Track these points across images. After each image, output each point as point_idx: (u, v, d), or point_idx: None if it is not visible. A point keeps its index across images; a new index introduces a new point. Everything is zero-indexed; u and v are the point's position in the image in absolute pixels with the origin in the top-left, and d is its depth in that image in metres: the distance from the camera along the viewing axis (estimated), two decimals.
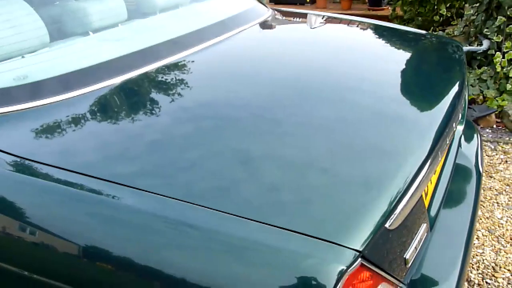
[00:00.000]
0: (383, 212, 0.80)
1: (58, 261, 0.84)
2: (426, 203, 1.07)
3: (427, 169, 0.95)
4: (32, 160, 0.91)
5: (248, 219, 0.78)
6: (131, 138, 0.97)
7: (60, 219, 0.84)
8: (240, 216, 0.78)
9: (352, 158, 0.91)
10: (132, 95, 1.16)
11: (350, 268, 0.72)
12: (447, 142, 1.11)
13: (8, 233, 0.87)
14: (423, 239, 0.95)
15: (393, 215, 0.82)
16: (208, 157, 0.91)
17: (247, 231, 0.76)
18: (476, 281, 1.86)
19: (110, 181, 0.85)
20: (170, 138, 0.98)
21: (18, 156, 0.92)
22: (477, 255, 1.99)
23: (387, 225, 0.81)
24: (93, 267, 0.81)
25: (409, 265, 0.90)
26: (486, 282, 1.85)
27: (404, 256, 0.88)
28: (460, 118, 1.33)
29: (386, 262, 0.81)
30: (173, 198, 0.82)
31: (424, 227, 0.96)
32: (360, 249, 0.74)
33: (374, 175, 0.87)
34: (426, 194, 1.07)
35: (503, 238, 2.07)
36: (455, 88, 1.29)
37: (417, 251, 0.92)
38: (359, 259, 0.74)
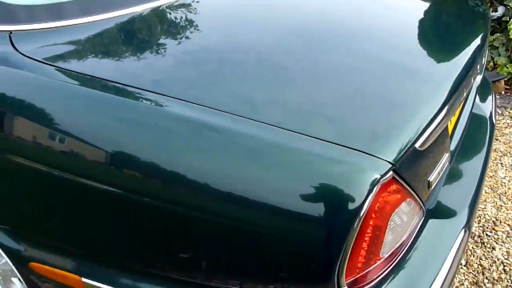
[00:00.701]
0: (415, 132, 0.84)
1: (86, 165, 0.85)
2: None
3: (454, 99, 0.98)
4: (64, 69, 0.92)
5: (278, 127, 0.78)
6: (153, 53, 0.99)
7: (86, 125, 0.85)
8: (268, 124, 0.78)
9: (389, 82, 0.94)
10: (152, 23, 1.17)
11: (383, 178, 0.75)
12: (472, 82, 1.14)
13: (42, 137, 0.88)
14: (445, 167, 1.00)
15: (423, 136, 0.86)
16: (228, 66, 0.91)
17: (273, 135, 0.77)
18: (477, 233, 1.94)
19: (133, 86, 0.86)
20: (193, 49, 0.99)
21: (53, 65, 0.93)
22: (479, 210, 2.06)
23: (417, 145, 0.84)
24: (117, 171, 0.82)
25: (432, 188, 0.94)
26: (487, 235, 1.93)
27: (429, 179, 0.93)
28: (483, 63, 1.35)
29: (413, 180, 0.85)
30: (193, 103, 0.82)
31: (446, 156, 1.00)
32: (393, 162, 0.78)
33: (407, 97, 0.90)
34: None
35: (505, 196, 2.14)
36: (478, 40, 1.30)
37: (439, 177, 0.97)
38: (391, 172, 0.78)
